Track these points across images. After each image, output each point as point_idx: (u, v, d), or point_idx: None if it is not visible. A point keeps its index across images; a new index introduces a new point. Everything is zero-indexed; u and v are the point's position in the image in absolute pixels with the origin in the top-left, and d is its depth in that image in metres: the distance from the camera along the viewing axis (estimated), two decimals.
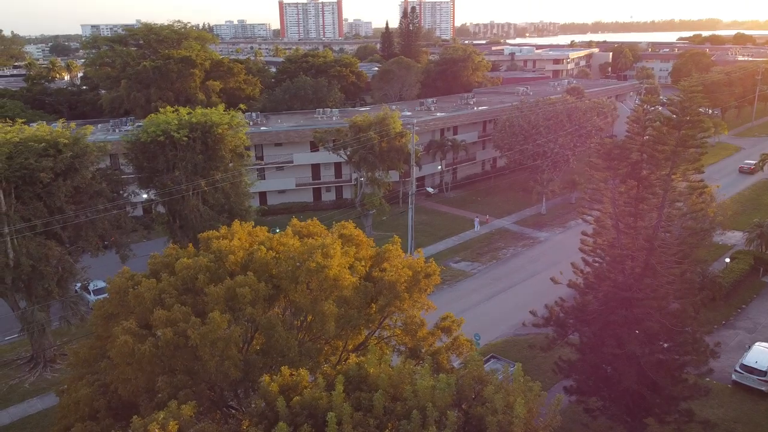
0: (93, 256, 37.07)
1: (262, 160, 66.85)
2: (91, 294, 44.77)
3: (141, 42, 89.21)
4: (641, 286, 25.04)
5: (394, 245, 22.66)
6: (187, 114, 41.34)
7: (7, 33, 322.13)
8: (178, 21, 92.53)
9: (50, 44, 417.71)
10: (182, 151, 40.31)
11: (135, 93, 78.22)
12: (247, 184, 44.65)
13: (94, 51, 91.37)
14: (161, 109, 42.06)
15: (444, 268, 51.36)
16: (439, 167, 73.01)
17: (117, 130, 64.93)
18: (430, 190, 52.20)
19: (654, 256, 24.89)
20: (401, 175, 63.48)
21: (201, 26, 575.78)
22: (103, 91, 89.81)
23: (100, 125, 68.70)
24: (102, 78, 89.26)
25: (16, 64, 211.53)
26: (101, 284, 45.52)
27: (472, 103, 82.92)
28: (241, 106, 45.88)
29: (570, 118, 68.43)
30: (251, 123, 69.35)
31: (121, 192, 39.91)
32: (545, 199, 66.14)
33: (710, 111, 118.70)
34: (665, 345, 25.08)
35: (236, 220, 41.89)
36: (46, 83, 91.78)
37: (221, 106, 43.60)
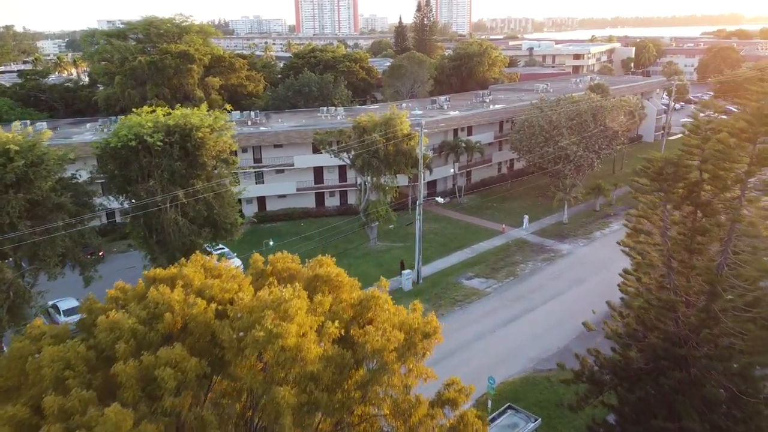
0: (51, 278, 32.40)
1: (261, 162, 62.08)
2: (61, 315, 40.19)
3: (141, 36, 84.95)
4: (700, 340, 19.78)
5: (381, 290, 17.58)
6: (165, 115, 36.57)
7: (22, 28, 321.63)
8: (180, 14, 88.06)
9: (67, 40, 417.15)
10: (158, 158, 35.55)
11: (129, 90, 73.96)
12: (234, 193, 39.75)
13: (95, 46, 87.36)
14: (135, 110, 37.34)
15: (456, 285, 47.54)
16: (452, 170, 67.71)
17: (106, 130, 60.46)
18: (439, 200, 47.07)
19: (717, 301, 19.58)
20: (410, 178, 58.42)
21: (217, 22, 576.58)
22: (101, 88, 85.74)
23: (89, 124, 64.45)
24: (100, 74, 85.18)
25: (25, 59, 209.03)
26: (73, 303, 41.08)
27: (488, 101, 77.40)
28: (227, 106, 40.89)
29: (595, 118, 62.80)
30: (249, 122, 64.64)
31: (88, 202, 35.29)
32: (567, 207, 60.60)
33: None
34: (733, 417, 19.75)
35: (210, 243, 37.23)
36: (41, 79, 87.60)
37: (204, 106, 38.78)
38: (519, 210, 62.90)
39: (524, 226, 58.53)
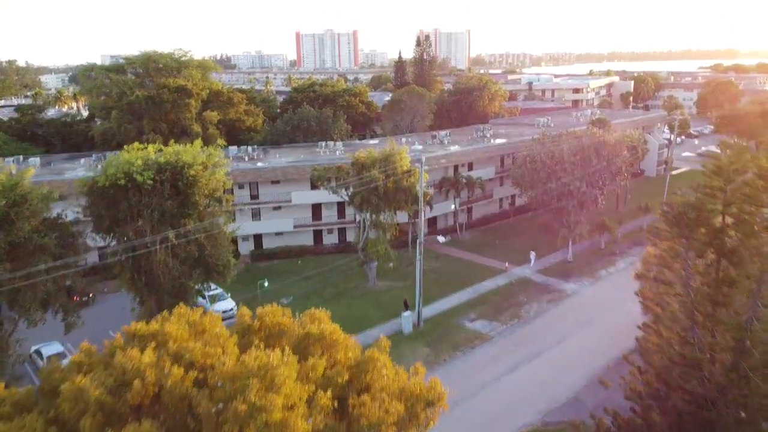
0: (30, 326, 30.62)
1: (258, 198, 60.71)
2: (45, 361, 38.20)
3: (140, 71, 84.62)
4: (729, 401, 18.01)
5: (380, 351, 15.90)
6: (156, 152, 35.28)
7: (25, 63, 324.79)
8: (180, 49, 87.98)
9: (70, 74, 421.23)
10: (148, 197, 34.15)
11: (126, 124, 73.01)
12: (227, 233, 38.21)
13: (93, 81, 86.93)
14: (126, 147, 36.08)
15: (458, 328, 45.57)
16: (453, 207, 66.34)
17: (100, 166, 59.20)
18: (441, 239, 45.53)
19: (747, 359, 17.89)
20: (410, 215, 56.94)
21: (219, 57, 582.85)
22: (98, 122, 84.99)
23: (83, 160, 63.30)
24: (98, 108, 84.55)
25: (27, 94, 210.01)
26: (58, 348, 39.22)
27: (488, 135, 76.52)
28: (220, 141, 39.58)
29: (598, 153, 61.60)
30: (246, 158, 63.51)
31: (74, 243, 33.73)
32: (571, 244, 59.00)
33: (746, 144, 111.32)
34: None
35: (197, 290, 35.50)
36: (37, 114, 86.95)
37: (198, 143, 37.51)
38: (522, 247, 61.30)
39: (531, 263, 56.97)
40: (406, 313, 44.13)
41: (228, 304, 47.28)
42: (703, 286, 18.47)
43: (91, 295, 49.08)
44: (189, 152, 35.32)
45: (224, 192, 37.76)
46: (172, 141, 37.99)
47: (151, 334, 16.81)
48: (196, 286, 37.76)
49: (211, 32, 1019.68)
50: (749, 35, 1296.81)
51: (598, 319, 45.14)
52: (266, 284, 47.34)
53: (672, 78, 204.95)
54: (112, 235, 35.55)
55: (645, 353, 20.48)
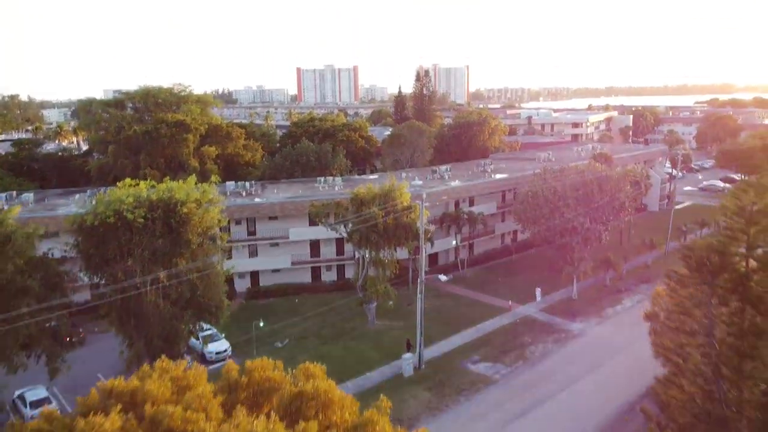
0: (10, 372, 29.01)
1: (255, 234, 59.48)
2: (28, 407, 36.33)
3: (139, 105, 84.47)
4: None
5: (380, 413, 14.44)
6: (148, 189, 34.20)
7: (27, 97, 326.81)
8: (179, 83, 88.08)
9: (72, 108, 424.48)
10: (138, 235, 32.93)
11: (123, 159, 72.37)
12: (221, 272, 36.85)
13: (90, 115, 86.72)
14: (119, 183, 35.04)
15: (461, 371, 43.65)
16: (454, 243, 65.06)
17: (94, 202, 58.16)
18: (443, 278, 44.09)
19: None
20: (411, 251, 55.50)
21: (221, 91, 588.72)
22: (97, 156, 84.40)
23: (77, 195, 62.19)
24: (96, 143, 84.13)
25: (28, 128, 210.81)
26: (42, 393, 37.40)
27: (489, 170, 75.74)
28: (214, 178, 38.58)
29: (601, 188, 60.63)
30: (244, 193, 62.52)
31: (59, 283, 32.38)
32: (576, 281, 57.52)
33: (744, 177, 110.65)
34: None
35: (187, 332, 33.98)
36: (34, 148, 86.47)
37: (192, 179, 36.47)
38: (525, 284, 59.82)
39: (537, 299, 55.51)
40: (407, 355, 42.43)
41: (222, 345, 45.57)
42: (729, 337, 17.09)
43: (81, 335, 47.51)
44: (182, 189, 34.24)
45: (219, 230, 36.50)
46: (167, 178, 37.04)
47: (130, 392, 15.41)
48: (189, 328, 36.16)
49: (214, 68, 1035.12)
50: (744, 70, 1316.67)
51: (607, 361, 43.41)
52: (262, 325, 45.75)
53: (671, 113, 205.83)
54: (100, 274, 34.15)
55: (666, 408, 18.95)
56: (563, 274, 56.47)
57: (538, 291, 56.60)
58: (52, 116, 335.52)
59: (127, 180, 35.76)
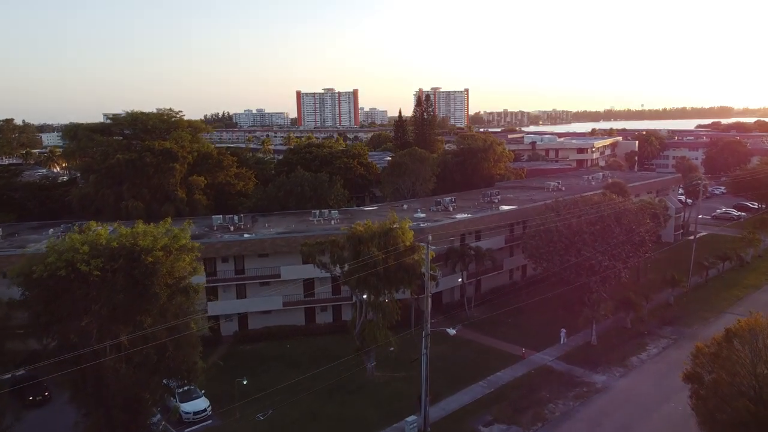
0: None
1: (243, 273, 54.53)
2: None
3: (127, 132, 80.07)
4: None
5: None
6: (109, 235, 29.40)
7: (22, 122, 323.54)
8: (170, 109, 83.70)
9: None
10: (96, 289, 28.03)
11: (105, 189, 67.74)
12: (196, 329, 31.83)
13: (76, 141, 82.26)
14: (76, 228, 30.27)
15: None
16: (460, 280, 60.05)
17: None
18: (451, 331, 38.97)
19: None
20: (413, 291, 50.27)
21: (221, 115, 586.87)
22: (80, 185, 79.78)
23: (51, 230, 57.24)
24: (81, 170, 79.69)
25: (21, 152, 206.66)
26: None
27: (496, 201, 71.05)
28: (187, 222, 33.78)
29: (619, 222, 55.90)
30: (232, 228, 57.69)
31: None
32: (595, 324, 52.42)
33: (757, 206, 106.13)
34: None
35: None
36: (14, 177, 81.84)
37: (166, 222, 31.71)
38: (537, 325, 54.83)
39: (562, 341, 51.22)
40: (410, 418, 37.23)
41: (201, 403, 40.30)
42: None
43: (46, 393, 42.35)
44: (149, 234, 29.40)
45: (191, 283, 31.48)
46: (139, 221, 32.18)
47: None
48: (155, 396, 30.96)
49: (214, 92, 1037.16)
50: (740, 93, 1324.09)
51: (638, 424, 38.16)
52: (245, 382, 40.55)
53: (676, 137, 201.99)
54: (49, 336, 29.15)
55: None
56: (581, 317, 51.36)
57: (563, 333, 52.04)
58: (51, 141, 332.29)
59: (92, 223, 31.15)
